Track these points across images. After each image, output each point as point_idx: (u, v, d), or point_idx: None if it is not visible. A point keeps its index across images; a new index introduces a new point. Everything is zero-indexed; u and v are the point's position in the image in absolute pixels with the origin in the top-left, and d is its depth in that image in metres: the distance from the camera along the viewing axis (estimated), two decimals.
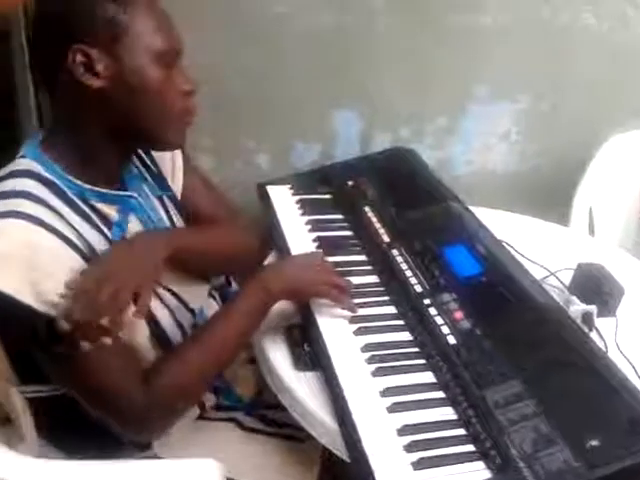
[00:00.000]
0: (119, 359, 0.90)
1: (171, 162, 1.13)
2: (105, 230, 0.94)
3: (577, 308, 1.16)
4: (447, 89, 1.62)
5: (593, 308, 1.14)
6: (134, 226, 1.00)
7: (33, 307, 0.83)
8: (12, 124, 1.49)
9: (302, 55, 1.53)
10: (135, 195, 1.01)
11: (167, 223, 1.08)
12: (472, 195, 1.56)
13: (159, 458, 1.07)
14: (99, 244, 0.92)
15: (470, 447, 0.83)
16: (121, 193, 0.98)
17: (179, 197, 1.13)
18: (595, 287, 1.20)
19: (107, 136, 0.93)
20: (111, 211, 0.96)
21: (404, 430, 0.85)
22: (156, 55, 0.90)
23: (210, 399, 1.14)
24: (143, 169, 1.08)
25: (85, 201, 0.93)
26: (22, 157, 0.93)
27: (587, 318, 1.15)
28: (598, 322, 1.14)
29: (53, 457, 1.03)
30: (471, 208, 1.36)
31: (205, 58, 1.37)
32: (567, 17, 1.58)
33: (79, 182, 0.92)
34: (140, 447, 1.05)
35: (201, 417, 1.13)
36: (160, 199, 1.09)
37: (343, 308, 1.05)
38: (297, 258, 1.15)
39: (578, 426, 0.82)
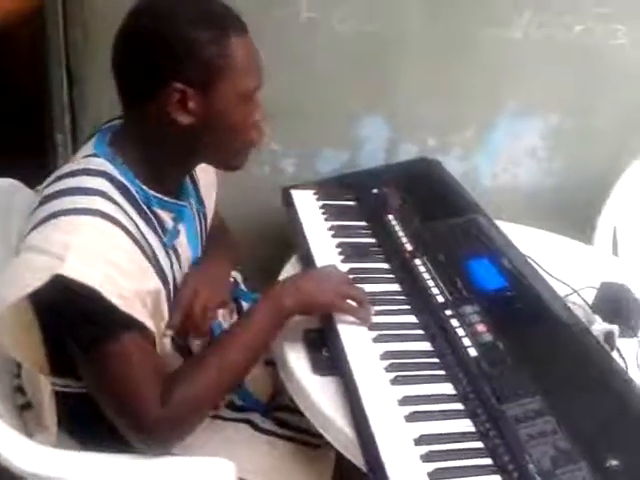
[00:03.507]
0: (148, 362, 0.91)
1: (209, 180, 1.18)
2: (161, 236, 0.98)
3: (599, 327, 1.15)
4: (476, 101, 1.61)
5: (615, 328, 1.13)
6: (182, 235, 1.04)
7: (108, 299, 0.83)
8: (38, 127, 1.50)
9: (331, 61, 1.53)
10: (187, 205, 1.05)
11: (199, 236, 1.12)
12: (496, 209, 1.55)
13: (172, 455, 1.07)
14: (158, 248, 0.96)
15: (488, 461, 0.83)
16: (179, 202, 1.03)
17: (210, 214, 1.18)
18: (617, 307, 1.19)
19: (179, 155, 0.98)
20: (167, 218, 1.00)
21: (422, 440, 0.84)
22: (245, 94, 0.94)
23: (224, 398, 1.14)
24: (191, 183, 1.12)
25: (149, 206, 0.96)
26: (94, 156, 0.95)
27: (609, 338, 1.13)
28: (620, 342, 1.13)
29: (68, 447, 1.03)
30: (496, 222, 1.36)
31: None
32: (599, 35, 1.57)
33: (146, 188, 0.96)
34: None
35: (215, 416, 1.13)
36: (198, 213, 1.13)
37: (358, 319, 1.04)
38: (311, 273, 1.15)
39: (598, 445, 0.81)
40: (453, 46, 1.56)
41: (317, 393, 0.97)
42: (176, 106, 0.91)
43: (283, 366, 1.04)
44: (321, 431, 0.95)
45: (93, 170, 0.92)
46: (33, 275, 0.83)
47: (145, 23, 0.91)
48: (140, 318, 0.88)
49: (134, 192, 0.94)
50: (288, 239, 1.36)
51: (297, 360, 1.03)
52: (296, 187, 1.49)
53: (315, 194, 1.47)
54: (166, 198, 0.99)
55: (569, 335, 1.00)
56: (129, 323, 0.87)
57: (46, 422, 1.01)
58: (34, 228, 0.88)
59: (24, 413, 1.07)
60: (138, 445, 0.93)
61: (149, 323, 0.91)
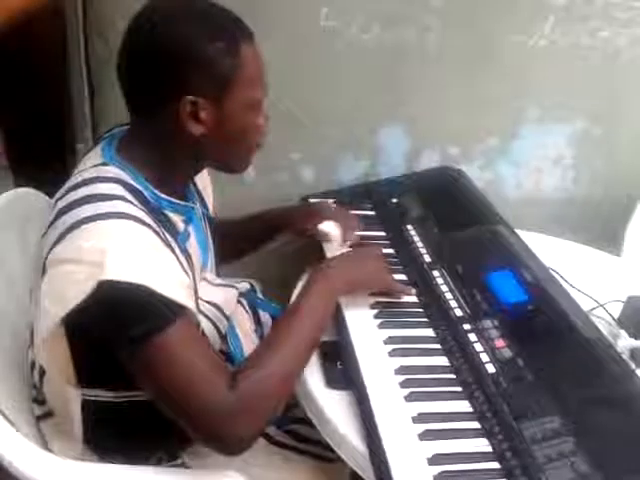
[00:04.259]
0: (206, 346, 0.91)
1: (205, 184, 1.19)
2: (176, 238, 0.98)
3: (625, 343, 1.12)
4: (499, 109, 1.58)
5: None
6: (192, 237, 1.04)
7: (160, 292, 0.83)
8: (59, 137, 1.50)
9: (351, 69, 1.51)
10: (194, 207, 1.06)
11: (207, 239, 1.13)
12: (521, 219, 1.52)
13: (187, 467, 1.06)
14: (177, 251, 0.95)
15: None
16: (187, 204, 1.03)
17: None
18: None
19: (189, 161, 0.99)
20: (179, 221, 1.01)
21: (435, 459, 0.82)
22: (253, 104, 0.96)
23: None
24: (194, 185, 1.13)
25: (161, 210, 0.97)
26: (104, 164, 0.94)
27: (635, 354, 1.10)
28: None
29: (86, 458, 1.03)
30: (519, 233, 1.33)
31: None
32: (625, 41, 1.53)
33: (157, 192, 0.96)
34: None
35: None
36: (203, 216, 1.13)
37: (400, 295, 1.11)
38: (354, 252, 1.18)
39: (618, 467, 0.78)
40: (475, 54, 1.53)
41: (330, 408, 0.95)
42: (188, 117, 0.91)
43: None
44: (334, 447, 0.93)
45: (105, 177, 0.92)
46: (78, 287, 0.82)
47: (156, 36, 0.90)
48: (190, 305, 0.88)
49: (147, 196, 0.94)
50: (306, 248, 1.35)
51: (311, 373, 1.01)
52: (314, 196, 1.48)
53: (334, 203, 1.45)
54: (176, 201, 1.00)
55: (592, 352, 0.96)
56: (182, 312, 0.86)
57: (74, 431, 1.00)
58: (59, 240, 0.87)
59: (41, 424, 1.07)
60: (212, 444, 0.89)
61: (194, 307, 0.91)
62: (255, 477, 0.99)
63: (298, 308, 0.98)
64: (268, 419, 0.92)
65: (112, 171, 0.93)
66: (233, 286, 1.14)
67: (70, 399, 0.97)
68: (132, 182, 0.93)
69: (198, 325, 0.93)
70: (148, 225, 0.89)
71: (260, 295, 1.27)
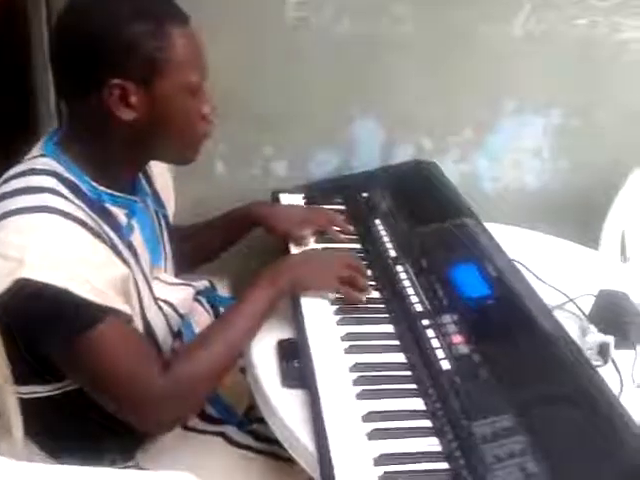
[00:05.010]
0: (135, 342, 0.91)
1: (165, 185, 1.17)
2: (117, 231, 0.96)
3: (594, 338, 1.08)
4: (474, 101, 1.55)
5: (610, 339, 1.07)
6: (137, 231, 1.02)
7: (79, 295, 0.82)
8: (28, 126, 1.49)
9: (322, 61, 1.49)
10: (139, 201, 1.03)
11: (159, 237, 1.10)
12: (498, 213, 1.50)
13: (141, 469, 1.04)
14: (116, 240, 0.94)
15: None
16: (130, 197, 1.01)
17: (171, 219, 1.17)
18: (616, 316, 1.12)
19: (126, 151, 0.96)
20: (120, 214, 0.98)
21: (381, 460, 0.79)
22: (188, 88, 0.93)
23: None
24: (147, 181, 1.11)
25: (101, 202, 0.95)
26: (42, 156, 0.93)
27: (603, 349, 1.07)
28: (616, 354, 1.06)
29: (35, 457, 1.02)
30: (493, 225, 1.30)
31: (221, 63, 1.34)
32: (604, 30, 1.49)
33: (95, 184, 0.94)
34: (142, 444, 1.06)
35: (188, 428, 1.10)
36: (156, 214, 1.11)
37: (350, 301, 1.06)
38: (308, 252, 1.16)
39: (569, 468, 0.75)
40: (449, 44, 1.50)
41: (283, 407, 0.92)
42: (117, 102, 0.89)
43: (253, 376, 0.99)
44: (285, 446, 0.91)
45: (38, 169, 0.91)
46: None
47: (80, 20, 0.89)
48: (115, 305, 0.87)
49: (84, 189, 0.92)
50: (276, 244, 1.32)
51: (267, 370, 0.98)
52: (286, 191, 1.46)
53: (304, 198, 1.43)
54: (117, 194, 0.97)
55: (550, 348, 0.93)
56: (105, 313, 0.86)
57: (14, 430, 0.98)
58: None
59: None
60: (147, 427, 0.96)
61: (125, 307, 0.90)
62: (212, 477, 0.96)
63: (238, 304, 1.00)
64: (194, 407, 0.99)
65: (47, 163, 0.92)
66: (189, 284, 1.12)
67: (6, 399, 0.95)
68: (66, 174, 0.91)
69: (130, 320, 0.91)
70: (77, 219, 0.86)
71: (223, 293, 1.25)
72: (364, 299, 1.07)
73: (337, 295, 1.07)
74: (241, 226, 1.30)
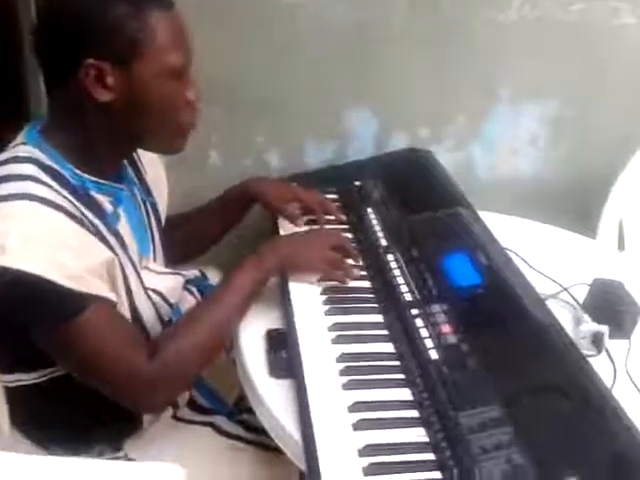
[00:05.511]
0: (121, 327, 0.92)
1: (157, 176, 1.16)
2: (102, 218, 0.95)
3: (587, 327, 1.07)
4: (469, 89, 1.53)
5: (604, 328, 1.05)
6: (123, 219, 1.01)
7: (61, 284, 0.82)
8: (19, 112, 1.48)
9: (316, 49, 1.47)
10: (125, 189, 1.02)
11: (147, 226, 1.09)
12: (493, 202, 1.48)
13: (129, 459, 1.04)
14: (100, 226, 0.93)
15: (437, 474, 0.76)
16: (116, 185, 1.00)
17: (163, 212, 1.16)
18: (610, 306, 1.11)
19: (108, 137, 0.95)
20: (106, 202, 0.98)
21: (366, 451, 0.78)
22: (169, 72, 0.91)
23: (184, 396, 1.11)
24: (134, 171, 1.10)
25: (85, 190, 0.94)
26: (23, 144, 0.93)
27: (597, 339, 1.06)
28: (610, 344, 1.05)
29: (22, 446, 1.02)
30: (488, 214, 1.29)
31: (215, 52, 1.33)
32: (601, 15, 1.47)
33: (79, 172, 0.93)
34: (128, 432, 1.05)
35: (176, 417, 1.09)
36: (144, 203, 1.10)
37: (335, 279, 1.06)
38: (295, 236, 1.15)
39: (556, 459, 0.74)
40: (443, 31, 1.48)
41: (270, 396, 0.92)
42: (93, 82, 0.88)
43: (241, 366, 0.99)
44: (272, 435, 0.90)
45: (20, 157, 0.90)
46: None
47: (60, 1, 0.88)
48: (100, 293, 0.87)
49: (66, 176, 0.91)
50: (269, 235, 1.31)
51: (255, 360, 0.97)
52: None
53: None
54: (102, 181, 0.96)
55: (540, 337, 0.91)
56: (89, 300, 0.85)
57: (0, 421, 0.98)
58: None
59: None
60: (140, 409, 0.99)
61: (108, 293, 0.89)
62: (200, 470, 0.96)
63: (224, 285, 1.00)
64: (184, 386, 1.00)
65: (29, 151, 0.91)
66: (179, 273, 1.11)
67: None
68: (49, 162, 0.91)
69: (114, 306, 0.91)
70: (58, 206, 0.86)
71: (211, 281, 1.24)
72: (348, 281, 1.06)
73: (322, 279, 1.07)
74: (240, 205, 1.28)
